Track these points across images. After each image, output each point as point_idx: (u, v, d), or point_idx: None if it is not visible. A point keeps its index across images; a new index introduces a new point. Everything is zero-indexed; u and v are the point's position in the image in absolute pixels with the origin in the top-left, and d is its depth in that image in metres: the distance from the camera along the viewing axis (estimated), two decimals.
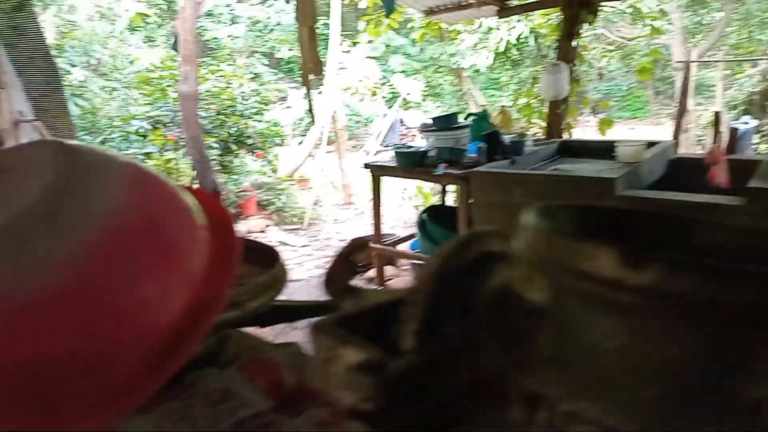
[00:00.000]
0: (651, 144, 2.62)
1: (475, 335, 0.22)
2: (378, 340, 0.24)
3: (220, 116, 4.81)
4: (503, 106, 3.32)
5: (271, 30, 7.90)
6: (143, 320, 0.43)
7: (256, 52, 7.82)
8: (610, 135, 2.86)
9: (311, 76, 2.53)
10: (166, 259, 0.45)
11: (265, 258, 0.60)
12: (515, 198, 2.52)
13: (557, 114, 3.02)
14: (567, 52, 2.89)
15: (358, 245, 0.38)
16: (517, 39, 6.18)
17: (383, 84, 7.19)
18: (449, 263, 0.25)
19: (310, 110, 3.56)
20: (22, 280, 0.39)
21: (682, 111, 3.64)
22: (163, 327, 0.44)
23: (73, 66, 6.19)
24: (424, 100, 7.33)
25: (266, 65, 7.73)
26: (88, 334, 0.40)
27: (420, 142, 3.36)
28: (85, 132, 5.53)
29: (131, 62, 6.79)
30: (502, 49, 6.28)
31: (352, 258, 0.33)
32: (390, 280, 3.32)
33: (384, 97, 7.00)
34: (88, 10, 6.67)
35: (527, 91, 3.42)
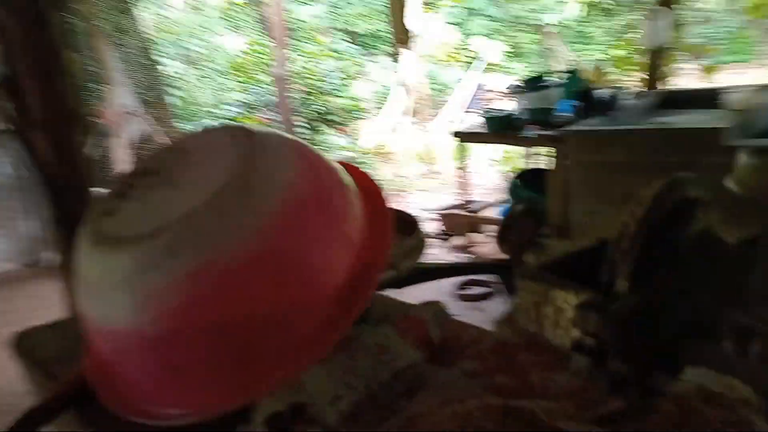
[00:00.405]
0: (764, 88, 2.42)
1: (685, 276, 0.25)
2: (582, 284, 0.28)
3: (307, 95, 4.96)
4: (597, 60, 3.17)
5: (349, 4, 7.97)
6: (320, 281, 0.49)
7: (336, 29, 7.93)
8: (716, 82, 2.67)
9: (400, 47, 2.55)
10: (333, 225, 0.52)
11: (407, 225, 0.65)
12: (613, 156, 2.44)
13: (656, 63, 2.86)
14: None
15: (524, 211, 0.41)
16: None
17: (463, 48, 7.07)
18: (653, 210, 0.27)
19: (398, 81, 3.59)
20: (228, 247, 0.46)
21: None
22: (336, 286, 0.50)
23: (169, 58, 6.58)
24: (507, 61, 7.14)
25: (346, 41, 7.83)
26: (279, 294, 0.48)
27: (504, 105, 3.31)
28: (184, 120, 5.88)
29: (222, 50, 7.11)
30: None
31: (523, 218, 0.37)
32: (474, 246, 3.31)
33: (465, 62, 6.89)
34: (180, 4, 7.04)
35: (624, 42, 3.23)
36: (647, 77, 2.95)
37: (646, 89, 2.93)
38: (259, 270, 0.47)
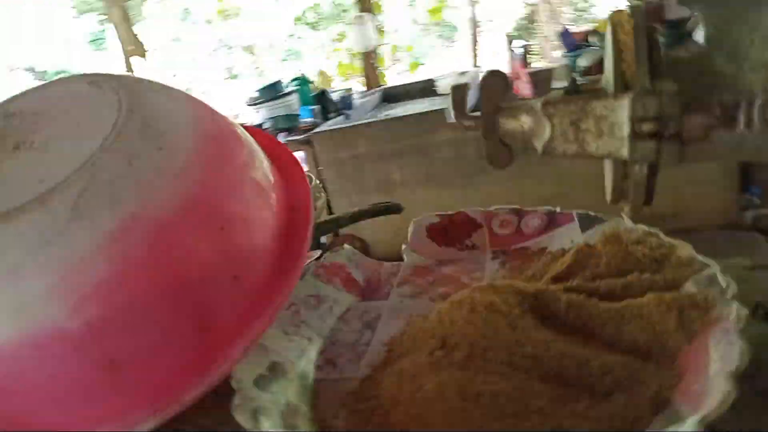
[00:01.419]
0: (462, 73, 2.91)
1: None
2: None
3: None
4: (320, 69, 3.40)
5: None
6: (254, 226, 0.45)
7: None
8: (422, 75, 3.11)
9: None
10: (245, 169, 0.47)
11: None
12: (360, 149, 2.66)
13: (371, 64, 3.19)
14: (365, 3, 3.05)
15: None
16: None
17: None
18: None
19: None
20: (149, 194, 0.39)
21: (474, 41, 4.10)
22: (272, 230, 0.46)
23: None
24: (225, 84, 7.10)
25: None
26: (215, 245, 0.42)
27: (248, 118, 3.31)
28: None
29: None
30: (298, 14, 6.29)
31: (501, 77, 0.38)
32: None
33: None
34: None
35: (338, 50, 3.54)
36: (367, 78, 3.27)
37: (369, 88, 3.24)
38: (188, 219, 0.41)
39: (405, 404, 0.36)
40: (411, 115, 2.52)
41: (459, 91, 0.40)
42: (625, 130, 0.30)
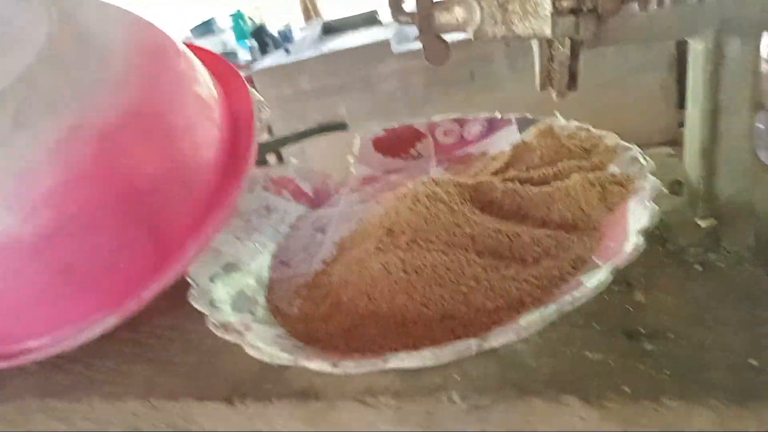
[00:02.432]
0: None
1: None
2: None
3: None
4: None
5: None
6: (203, 135, 0.45)
7: None
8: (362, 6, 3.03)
9: None
10: (186, 80, 0.47)
11: None
12: (303, 85, 2.61)
13: None
14: None
15: None
16: None
17: None
18: None
19: None
20: (92, 102, 0.39)
21: None
22: (218, 139, 0.47)
23: None
24: None
25: None
26: (163, 152, 0.43)
27: None
28: None
29: None
30: None
31: None
32: None
33: None
34: None
35: None
36: (305, 10, 3.17)
37: (308, 21, 3.15)
38: (132, 128, 0.41)
39: (354, 284, 0.39)
40: (355, 47, 2.47)
41: None
42: (548, 8, 0.32)
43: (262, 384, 0.35)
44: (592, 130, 0.54)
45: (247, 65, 2.69)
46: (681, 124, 2.31)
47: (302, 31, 3.00)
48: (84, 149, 0.38)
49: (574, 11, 0.32)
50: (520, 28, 0.34)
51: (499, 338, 0.28)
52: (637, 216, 0.37)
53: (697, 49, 0.38)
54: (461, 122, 0.66)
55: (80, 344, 0.40)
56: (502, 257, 0.40)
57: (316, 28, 3.07)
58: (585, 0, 0.32)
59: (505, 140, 0.62)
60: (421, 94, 2.38)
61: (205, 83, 0.49)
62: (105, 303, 0.40)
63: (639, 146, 0.53)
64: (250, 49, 2.82)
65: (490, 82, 2.32)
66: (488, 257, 0.39)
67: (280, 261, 0.49)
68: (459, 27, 0.39)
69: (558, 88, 0.38)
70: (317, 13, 3.26)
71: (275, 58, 2.74)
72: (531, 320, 0.28)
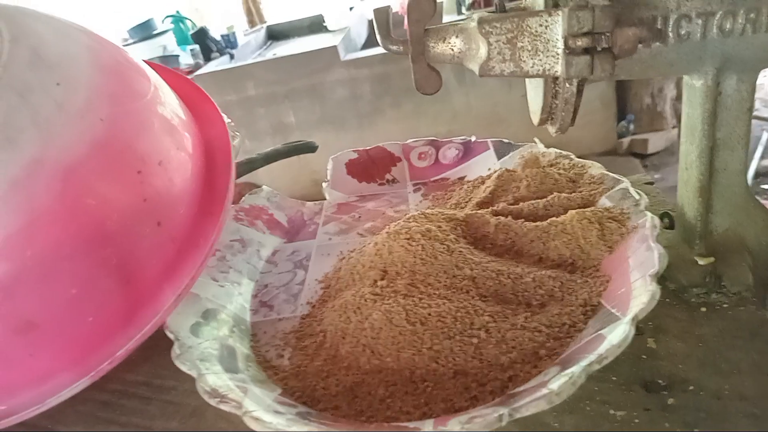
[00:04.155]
0: (350, 9, 2.83)
1: None
2: None
3: None
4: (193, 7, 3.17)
5: None
6: (176, 167, 0.42)
7: None
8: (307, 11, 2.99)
9: None
10: (159, 101, 0.43)
11: None
12: (249, 91, 2.54)
13: (254, 2, 3.02)
14: None
15: None
16: None
17: None
18: None
19: None
20: (56, 139, 0.35)
21: None
22: (198, 172, 0.43)
23: None
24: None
25: None
26: (134, 187, 0.39)
27: None
28: None
29: None
30: None
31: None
32: None
33: None
34: None
35: None
36: (249, 14, 3.09)
37: (252, 25, 3.08)
38: (100, 162, 0.37)
39: (353, 335, 0.36)
40: (302, 53, 2.43)
41: (382, 14, 0.38)
42: (560, 46, 0.31)
43: None
44: (574, 158, 0.53)
45: (190, 70, 2.59)
46: (619, 135, 2.40)
47: (246, 36, 2.93)
48: (43, 188, 0.34)
49: (588, 50, 0.31)
50: (530, 65, 0.32)
51: (530, 407, 0.26)
52: (642, 258, 0.37)
53: (696, 86, 0.38)
54: (436, 145, 0.64)
55: (44, 411, 0.35)
56: (506, 302, 0.38)
57: (261, 32, 3.00)
58: (599, 39, 0.31)
59: (483, 165, 0.61)
60: (371, 103, 2.37)
61: (174, 108, 0.45)
62: (72, 363, 0.36)
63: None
64: (192, 53, 2.72)
65: (438, 94, 2.33)
66: (492, 302, 0.38)
67: (261, 302, 0.46)
68: (454, 58, 0.38)
69: (561, 125, 0.37)
70: (260, 17, 3.19)
71: (219, 63, 2.66)
72: (562, 386, 0.27)
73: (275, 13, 3.44)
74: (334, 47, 2.36)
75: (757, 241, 0.40)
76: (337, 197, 0.62)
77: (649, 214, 0.40)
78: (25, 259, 0.33)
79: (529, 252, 0.43)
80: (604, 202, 0.45)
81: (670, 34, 0.35)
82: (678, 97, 2.55)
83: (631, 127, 2.43)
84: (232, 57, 2.70)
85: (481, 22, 0.33)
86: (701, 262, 0.41)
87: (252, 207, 0.55)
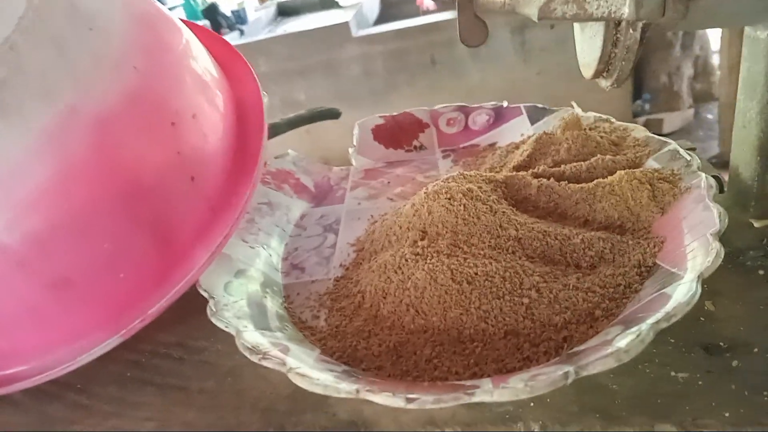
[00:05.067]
0: None
1: None
2: None
3: None
4: None
5: None
6: (210, 123, 0.40)
7: None
8: None
9: None
10: (192, 56, 0.42)
11: None
12: (260, 68, 2.51)
13: None
14: None
15: None
16: None
17: None
18: None
19: None
20: (90, 89, 0.33)
21: None
22: (230, 130, 0.42)
23: None
24: None
25: None
26: (173, 140, 0.37)
27: None
28: None
29: None
30: None
31: None
32: None
33: None
34: None
35: None
36: None
37: (263, 1, 3.04)
38: (134, 114, 0.36)
39: (395, 295, 0.35)
40: (314, 29, 2.39)
41: None
42: None
43: (301, 414, 0.31)
44: (614, 121, 0.51)
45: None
46: (635, 114, 2.36)
47: (256, 12, 2.89)
48: (78, 139, 0.32)
49: None
50: (594, 6, 0.30)
51: (597, 365, 0.25)
52: (697, 218, 0.35)
53: (760, 38, 0.36)
54: (465, 111, 0.62)
55: (75, 369, 0.34)
56: (555, 263, 0.36)
57: (271, 8, 2.96)
58: None
59: (516, 131, 0.59)
60: (385, 79, 2.34)
61: (206, 64, 0.43)
62: (104, 320, 0.35)
63: None
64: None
65: (452, 69, 2.29)
66: (541, 263, 0.36)
67: (292, 264, 0.44)
68: (505, 5, 0.36)
69: (618, 77, 0.35)
70: None
71: (230, 39, 2.64)
72: (630, 343, 0.25)
73: None
74: (346, 23, 2.32)
75: None
76: (364, 163, 0.60)
77: (703, 174, 0.38)
78: (61, 213, 0.32)
79: (574, 214, 0.41)
80: (652, 164, 0.43)
81: None
82: (695, 77, 2.51)
83: (647, 106, 2.39)
84: (242, 33, 2.67)
85: None
86: (757, 224, 0.39)
87: (279, 171, 0.54)
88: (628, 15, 0.30)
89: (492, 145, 0.59)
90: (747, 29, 0.37)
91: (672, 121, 2.41)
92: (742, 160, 0.39)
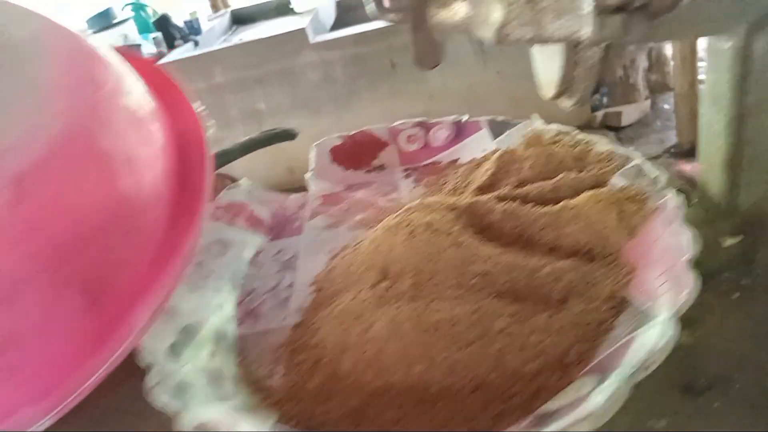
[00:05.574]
0: None
1: None
2: None
3: None
4: None
5: None
6: (146, 164, 0.37)
7: None
8: None
9: None
10: (124, 92, 0.38)
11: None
12: (217, 78, 2.45)
13: None
14: None
15: None
16: None
17: None
18: None
19: None
20: (11, 139, 0.30)
21: None
22: (169, 169, 0.38)
23: None
24: None
25: None
26: (103, 189, 0.34)
27: None
28: None
29: None
30: None
31: None
32: None
33: None
34: None
35: None
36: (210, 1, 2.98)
37: (216, 10, 2.97)
38: (60, 163, 0.32)
39: (355, 348, 0.32)
40: (270, 37, 2.34)
41: None
42: (589, 4, 0.27)
43: None
44: (577, 133, 0.50)
45: (154, 59, 2.49)
46: (593, 109, 2.39)
47: (210, 21, 2.82)
48: (10, 191, 0.29)
49: (622, 7, 0.26)
50: (553, 28, 0.28)
51: (573, 428, 0.23)
52: (667, 242, 0.33)
53: (723, 49, 0.34)
54: (425, 126, 0.60)
55: None
56: (523, 298, 0.34)
57: (225, 17, 2.90)
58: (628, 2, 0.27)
59: (477, 147, 0.56)
60: (345, 85, 2.30)
61: (141, 99, 0.40)
62: (33, 396, 0.31)
63: None
64: (155, 41, 2.61)
65: (413, 72, 2.26)
66: (509, 301, 0.34)
67: (246, 311, 0.41)
68: (458, 26, 0.33)
69: (581, 97, 0.33)
70: (225, 2, 3.07)
71: (184, 50, 2.56)
72: (606, 402, 0.23)
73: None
74: (302, 30, 2.28)
75: None
76: (323, 187, 0.57)
77: (670, 192, 0.36)
78: None
79: (540, 240, 0.39)
80: (618, 180, 0.41)
81: None
82: (650, 68, 2.55)
83: (605, 100, 2.41)
84: (196, 44, 2.60)
85: None
86: (727, 242, 0.37)
87: (231, 204, 0.50)
88: (590, 36, 0.27)
89: (454, 162, 0.57)
90: (710, 40, 0.36)
91: (630, 113, 2.44)
92: (710, 175, 0.38)
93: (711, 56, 0.35)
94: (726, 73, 0.34)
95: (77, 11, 2.92)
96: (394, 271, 0.36)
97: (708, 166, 0.38)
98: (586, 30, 0.27)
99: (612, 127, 2.44)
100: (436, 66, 0.36)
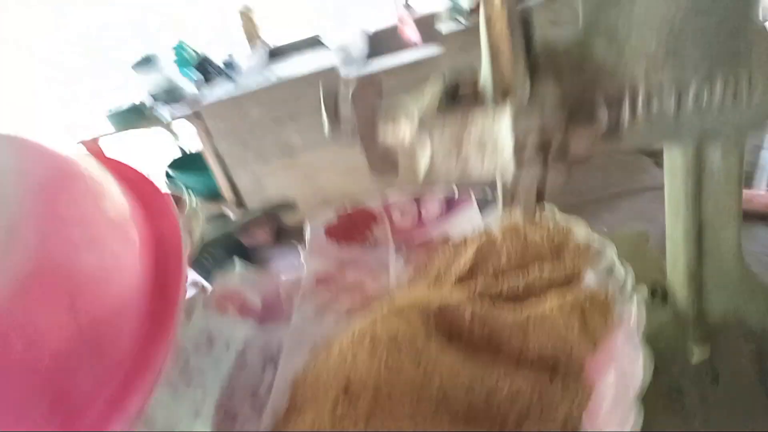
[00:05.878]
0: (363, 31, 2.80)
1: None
2: None
3: None
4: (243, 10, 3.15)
5: None
6: (118, 282, 0.39)
7: None
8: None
9: None
10: (99, 209, 0.41)
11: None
12: (254, 115, 2.53)
13: (251, 20, 3.01)
14: None
15: None
16: None
17: None
18: None
19: None
20: None
21: None
22: (144, 281, 0.40)
23: None
24: None
25: None
26: (71, 316, 0.36)
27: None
28: None
29: None
30: None
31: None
32: None
33: None
34: None
35: None
36: (247, 37, 3.09)
37: (252, 47, 3.08)
38: (29, 291, 0.34)
39: None
40: (304, 76, 2.41)
41: (330, 98, 0.35)
42: (508, 150, 0.27)
43: None
44: (557, 215, 0.49)
45: (196, 100, 2.58)
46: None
47: (248, 59, 2.92)
48: None
49: (542, 147, 0.27)
50: (478, 170, 0.29)
51: None
52: (625, 365, 0.33)
53: (676, 163, 0.34)
54: (418, 201, 0.61)
55: None
56: (480, 420, 0.34)
57: (261, 54, 2.99)
58: (550, 141, 0.27)
59: (467, 221, 0.57)
60: None
61: (121, 209, 0.42)
62: None
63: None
64: (196, 82, 2.72)
65: None
66: (462, 421, 0.34)
67: (225, 412, 0.43)
68: (406, 149, 0.34)
69: (526, 209, 0.33)
70: (260, 39, 3.17)
71: (222, 90, 2.65)
72: None
73: (274, 34, 3.43)
74: (334, 66, 2.33)
75: (762, 325, 0.36)
76: (316, 266, 0.58)
77: (635, 301, 0.36)
78: None
79: (508, 346, 0.39)
80: (590, 278, 0.41)
81: (640, 110, 0.31)
82: None
83: None
84: (233, 80, 2.70)
85: (422, 120, 0.29)
86: (695, 359, 0.36)
87: (224, 292, 0.52)
88: (513, 175, 0.28)
89: (445, 240, 0.57)
90: (666, 151, 0.35)
91: None
92: (677, 283, 0.37)
93: (667, 167, 0.35)
94: (682, 186, 0.34)
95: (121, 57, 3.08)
96: (355, 389, 0.37)
97: (675, 276, 0.37)
98: (509, 169, 0.28)
99: (648, 153, 2.37)
100: (395, 176, 0.37)
